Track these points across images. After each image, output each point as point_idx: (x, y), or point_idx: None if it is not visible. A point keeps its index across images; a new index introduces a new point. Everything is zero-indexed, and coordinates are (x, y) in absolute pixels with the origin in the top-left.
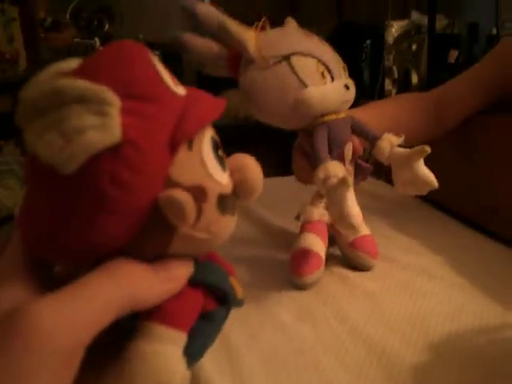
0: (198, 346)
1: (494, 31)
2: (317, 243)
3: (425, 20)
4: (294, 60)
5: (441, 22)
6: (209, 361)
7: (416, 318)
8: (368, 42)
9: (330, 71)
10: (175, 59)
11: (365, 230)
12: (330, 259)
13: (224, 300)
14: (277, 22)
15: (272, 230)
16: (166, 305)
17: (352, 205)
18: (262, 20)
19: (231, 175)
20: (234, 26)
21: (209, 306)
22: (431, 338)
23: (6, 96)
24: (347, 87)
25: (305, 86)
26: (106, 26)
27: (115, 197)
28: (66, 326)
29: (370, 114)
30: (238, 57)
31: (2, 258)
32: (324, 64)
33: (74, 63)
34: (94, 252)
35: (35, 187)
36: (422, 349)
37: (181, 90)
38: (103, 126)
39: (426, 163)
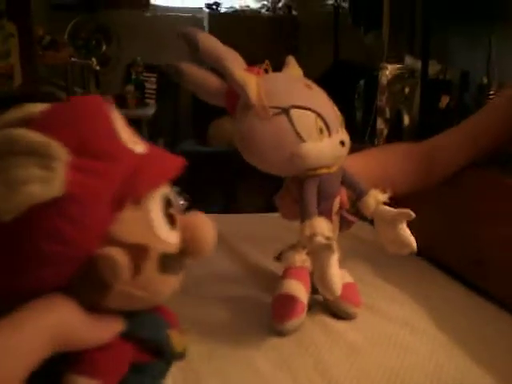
0: None
1: (485, 80)
2: (299, 289)
3: (418, 64)
4: (294, 113)
5: (434, 68)
6: None
7: (397, 374)
8: (362, 81)
9: (327, 126)
10: (171, 82)
11: (348, 278)
12: (314, 306)
13: (160, 354)
14: (275, 56)
15: (255, 268)
16: (92, 356)
17: (334, 271)
18: (265, 63)
19: (182, 233)
20: (236, 68)
21: (142, 358)
22: None
23: (0, 111)
24: (342, 144)
25: (302, 140)
26: (104, 47)
27: (50, 250)
28: None
29: (361, 163)
30: (236, 95)
31: None
32: (323, 119)
33: (37, 107)
34: (28, 295)
35: None
36: None
37: (139, 148)
38: (46, 179)
39: (416, 211)
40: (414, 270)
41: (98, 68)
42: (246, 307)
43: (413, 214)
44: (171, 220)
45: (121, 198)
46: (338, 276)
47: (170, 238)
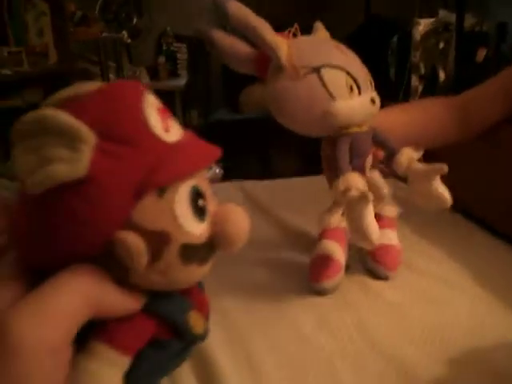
0: (142, 372)
1: None
2: (335, 249)
3: (452, 18)
4: (324, 72)
5: (468, 21)
6: (229, 367)
7: (437, 330)
8: (395, 37)
9: (357, 84)
10: (201, 51)
11: (386, 239)
12: (352, 267)
13: (179, 333)
14: (304, 19)
15: (292, 232)
16: (114, 325)
17: (370, 220)
18: (294, 27)
19: (212, 225)
20: (267, 32)
21: (162, 335)
22: (451, 352)
23: (37, 88)
24: (373, 101)
25: (333, 99)
26: (134, 20)
27: (67, 229)
28: (41, 324)
29: (397, 117)
30: (266, 60)
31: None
32: (352, 77)
33: (89, 86)
34: (57, 265)
35: (19, 199)
36: (442, 363)
37: (171, 136)
38: (71, 160)
39: (452, 167)
40: (450, 226)
41: (129, 41)
42: (285, 269)
43: (446, 168)
44: (200, 212)
45: (143, 185)
46: (375, 225)
47: (195, 229)
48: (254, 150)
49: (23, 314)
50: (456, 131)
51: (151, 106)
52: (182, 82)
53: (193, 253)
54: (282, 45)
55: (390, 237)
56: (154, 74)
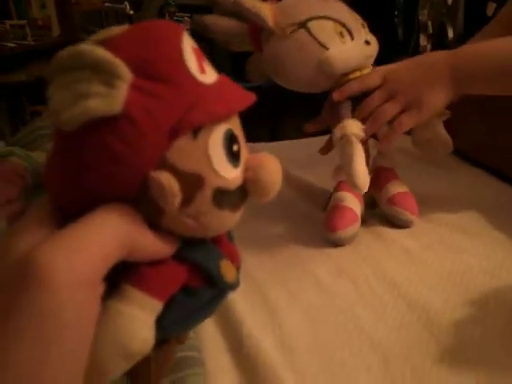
0: (173, 319)
1: None
2: (350, 200)
3: None
4: (311, 25)
5: None
6: (250, 317)
7: (455, 274)
8: None
9: (348, 30)
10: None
11: (402, 188)
12: (369, 219)
13: (211, 280)
14: None
15: (305, 188)
16: (145, 269)
17: (359, 165)
18: None
19: (245, 172)
20: (248, 1)
21: (194, 282)
22: (471, 295)
23: (42, 62)
24: (368, 42)
25: (326, 48)
26: None
27: (102, 166)
28: (74, 258)
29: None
30: (258, 30)
31: (30, 208)
32: (341, 24)
33: (123, 29)
34: (90, 205)
35: (54, 139)
36: (462, 306)
37: (207, 78)
38: (107, 95)
39: (458, 115)
40: (464, 176)
41: (131, 12)
42: (301, 223)
43: (449, 113)
44: (234, 156)
45: (179, 125)
46: (364, 171)
47: (228, 173)
48: (264, 116)
49: (54, 247)
50: None
51: (188, 46)
52: None
53: (226, 198)
54: (265, 9)
55: (401, 185)
56: None
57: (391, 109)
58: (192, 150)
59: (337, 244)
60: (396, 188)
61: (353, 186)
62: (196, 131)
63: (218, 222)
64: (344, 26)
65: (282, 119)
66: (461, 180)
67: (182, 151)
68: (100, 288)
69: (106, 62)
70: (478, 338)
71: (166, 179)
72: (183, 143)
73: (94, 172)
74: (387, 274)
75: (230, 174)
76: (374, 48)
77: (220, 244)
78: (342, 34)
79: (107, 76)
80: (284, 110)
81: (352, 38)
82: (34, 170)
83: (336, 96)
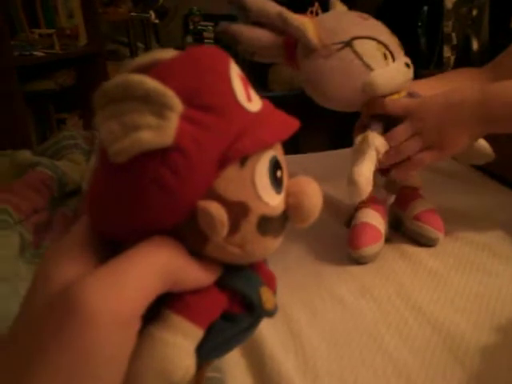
0: (213, 345)
1: None
2: (374, 217)
3: None
4: (356, 44)
5: None
6: (272, 337)
7: (482, 297)
8: (425, 8)
9: (390, 52)
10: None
11: (428, 205)
12: (394, 238)
13: (251, 308)
14: None
15: (330, 204)
16: (188, 297)
17: (366, 167)
18: (315, 6)
19: (287, 197)
20: (292, 16)
21: (234, 309)
22: (498, 319)
23: (69, 70)
24: (408, 65)
25: (370, 69)
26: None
27: (152, 197)
28: (115, 297)
29: (432, 85)
30: (294, 44)
31: (69, 232)
32: (384, 44)
33: (168, 53)
34: (136, 236)
35: (100, 167)
36: (488, 330)
37: (253, 106)
38: (158, 127)
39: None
40: (491, 194)
41: (156, 21)
42: (323, 240)
43: None
44: (277, 183)
45: (227, 155)
46: (368, 176)
47: (273, 200)
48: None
49: (97, 286)
50: None
51: (235, 74)
52: None
53: (269, 225)
54: (309, 26)
55: (426, 203)
56: None
57: (414, 146)
58: (239, 178)
59: (359, 262)
60: (422, 206)
61: (350, 185)
62: (243, 160)
63: (261, 249)
64: (386, 47)
65: (303, 130)
66: (487, 198)
67: (230, 180)
68: (137, 326)
69: (158, 93)
70: (506, 365)
71: (216, 209)
72: (231, 172)
73: (143, 203)
74: (411, 295)
75: (274, 201)
76: (412, 71)
77: (259, 269)
78: (385, 56)
79: (158, 107)
80: (306, 120)
81: (393, 60)
82: (60, 180)
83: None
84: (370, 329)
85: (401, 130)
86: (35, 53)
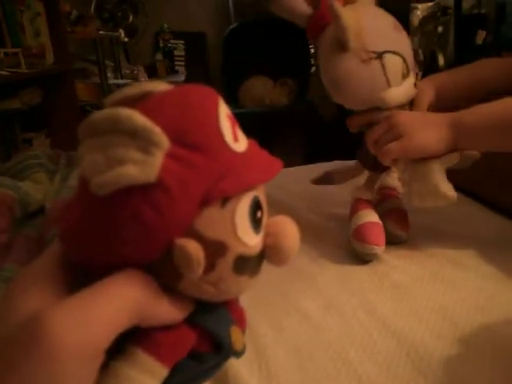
0: (177, 383)
1: None
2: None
3: (451, 1)
4: (387, 59)
5: (467, 2)
6: None
7: (446, 309)
8: None
9: (408, 68)
10: (199, 47)
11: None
12: (354, 252)
13: (219, 347)
14: None
15: (299, 220)
16: (157, 334)
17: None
18: None
19: (265, 238)
20: (343, 13)
21: (202, 347)
22: (462, 331)
23: (36, 89)
24: (415, 85)
25: (389, 85)
26: (130, 17)
27: (130, 231)
28: (80, 331)
29: (444, 79)
30: (322, 26)
31: (39, 259)
32: (406, 62)
33: (158, 86)
34: (112, 268)
35: (79, 196)
36: (452, 341)
37: (239, 146)
38: (143, 163)
39: None
40: (457, 207)
41: (126, 39)
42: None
43: (450, 160)
44: (257, 223)
45: (210, 195)
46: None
47: (251, 240)
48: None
49: (63, 318)
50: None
51: (224, 114)
52: (180, 78)
53: (246, 264)
54: (352, 26)
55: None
56: (152, 72)
57: (386, 139)
58: (219, 218)
59: (366, 258)
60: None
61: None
62: (225, 200)
63: (236, 288)
64: (407, 65)
65: (272, 145)
66: (453, 211)
67: (210, 219)
68: (102, 358)
69: (145, 129)
70: (466, 375)
71: (194, 248)
72: (212, 211)
73: (121, 237)
74: (376, 308)
75: (252, 241)
76: (416, 91)
77: (230, 306)
78: (403, 75)
79: (145, 143)
80: (277, 136)
81: (408, 78)
82: (22, 201)
83: (349, 122)
84: (335, 344)
85: (376, 128)
86: (0, 72)
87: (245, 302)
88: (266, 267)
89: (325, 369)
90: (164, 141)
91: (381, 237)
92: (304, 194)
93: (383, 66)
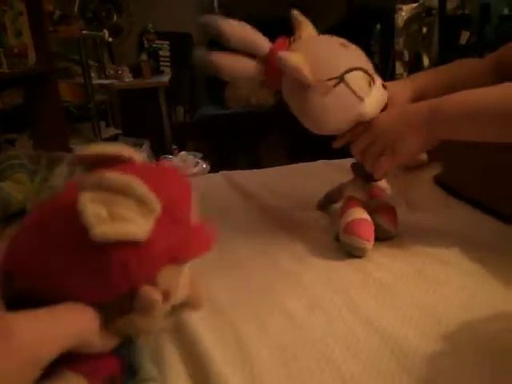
0: None
1: (506, 11)
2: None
3: (435, 2)
4: (349, 78)
5: (451, 3)
6: (219, 353)
7: (429, 306)
8: (378, 26)
9: (371, 77)
10: (184, 47)
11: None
12: (339, 250)
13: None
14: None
15: (283, 219)
16: (86, 359)
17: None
18: (292, 37)
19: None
20: (287, 55)
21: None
22: (445, 328)
23: (18, 89)
24: (384, 86)
25: (361, 100)
26: (115, 17)
27: (115, 275)
28: (41, 339)
29: (431, 78)
30: (278, 71)
31: None
32: (367, 72)
33: (136, 154)
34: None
35: (60, 229)
36: (435, 338)
37: (192, 219)
38: (140, 225)
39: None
40: (441, 205)
41: (110, 39)
42: (272, 253)
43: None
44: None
45: (178, 256)
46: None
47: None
48: (241, 142)
49: (29, 323)
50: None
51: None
52: (165, 78)
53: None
54: (303, 64)
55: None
56: (136, 72)
57: (373, 152)
58: (174, 274)
59: (357, 254)
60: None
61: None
62: (182, 262)
63: (154, 327)
64: (369, 74)
65: (257, 144)
66: (437, 208)
67: (167, 274)
68: (40, 369)
69: (150, 200)
70: (450, 372)
71: (158, 295)
72: (171, 268)
73: (103, 278)
74: (360, 306)
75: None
76: (387, 91)
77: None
78: (369, 83)
79: (145, 209)
80: (263, 136)
81: (374, 84)
82: (4, 201)
83: (335, 145)
84: (319, 342)
85: (360, 140)
86: None
87: (229, 301)
88: (252, 267)
89: (308, 368)
90: (158, 209)
91: (371, 233)
92: (288, 193)
93: (348, 86)
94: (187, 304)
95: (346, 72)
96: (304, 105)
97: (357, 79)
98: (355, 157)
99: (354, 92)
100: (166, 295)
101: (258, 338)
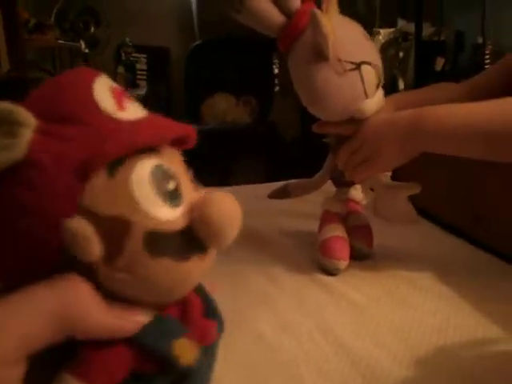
0: None
1: (480, 40)
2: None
3: (412, 27)
4: (364, 70)
5: (427, 30)
6: None
7: (402, 331)
8: None
9: (379, 78)
10: (161, 62)
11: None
12: (313, 268)
13: (165, 364)
14: None
15: (256, 239)
16: (89, 357)
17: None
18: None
19: (191, 212)
20: (323, 21)
21: (145, 368)
22: (417, 353)
23: None
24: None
25: (366, 97)
26: (92, 29)
27: (16, 219)
28: None
29: (410, 99)
30: (295, 35)
31: None
32: (378, 73)
33: None
34: (23, 274)
35: None
36: (407, 363)
37: (127, 115)
38: (8, 146)
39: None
40: (415, 229)
41: (86, 51)
42: (244, 274)
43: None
44: (170, 195)
45: (89, 163)
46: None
47: (163, 214)
48: (216, 159)
49: None
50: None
51: (103, 87)
52: (141, 92)
53: (163, 243)
54: (331, 35)
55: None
56: None
57: (356, 159)
58: (110, 190)
59: (332, 273)
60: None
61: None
62: (111, 169)
63: (158, 273)
64: (379, 75)
65: (233, 162)
66: (410, 232)
67: (99, 193)
68: (19, 368)
69: (6, 111)
70: None
71: (76, 225)
72: (98, 184)
73: (9, 228)
74: (333, 329)
75: (166, 215)
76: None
77: (187, 318)
78: (377, 85)
79: (9, 126)
80: (238, 153)
81: (379, 88)
82: None
83: (315, 128)
84: (290, 366)
85: (346, 147)
86: None
87: None
88: (223, 287)
89: None
90: (29, 119)
91: (346, 252)
92: (262, 212)
93: (361, 77)
94: (198, 234)
95: (364, 63)
96: (310, 76)
97: (370, 74)
98: (339, 162)
99: (363, 84)
100: (113, 222)
101: (226, 358)
